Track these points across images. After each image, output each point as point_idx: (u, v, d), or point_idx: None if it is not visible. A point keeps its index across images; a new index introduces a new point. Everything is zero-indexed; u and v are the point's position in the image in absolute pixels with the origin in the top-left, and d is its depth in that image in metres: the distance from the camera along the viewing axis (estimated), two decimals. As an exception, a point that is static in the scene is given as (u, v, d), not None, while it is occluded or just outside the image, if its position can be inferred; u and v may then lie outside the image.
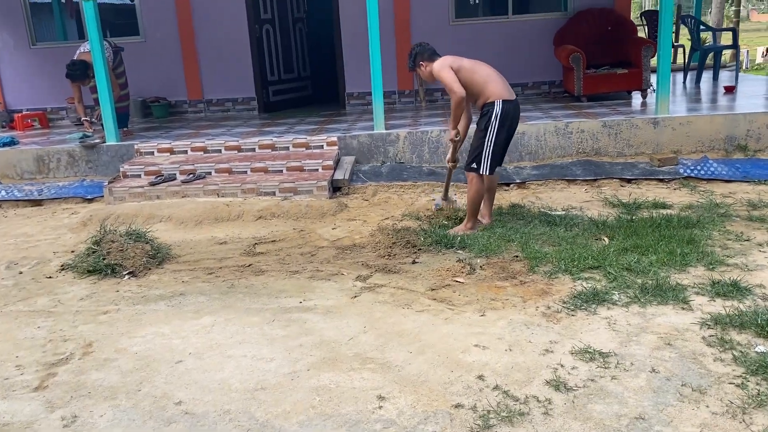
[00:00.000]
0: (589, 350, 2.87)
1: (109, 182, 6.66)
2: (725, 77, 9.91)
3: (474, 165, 4.69)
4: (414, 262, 4.28)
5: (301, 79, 9.81)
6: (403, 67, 8.69)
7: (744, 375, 2.62)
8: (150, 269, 4.46)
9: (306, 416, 2.46)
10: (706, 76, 9.85)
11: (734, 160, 6.40)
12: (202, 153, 7.06)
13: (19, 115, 9.05)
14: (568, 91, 8.37)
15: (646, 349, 2.88)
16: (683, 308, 3.29)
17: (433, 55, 4.75)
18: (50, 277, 4.47)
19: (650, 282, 3.59)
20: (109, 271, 4.40)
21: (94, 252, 4.66)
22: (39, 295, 4.12)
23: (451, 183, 5.46)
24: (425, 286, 3.82)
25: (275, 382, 2.75)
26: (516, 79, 4.43)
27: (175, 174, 6.64)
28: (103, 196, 6.51)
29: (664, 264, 3.90)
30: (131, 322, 3.56)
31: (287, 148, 6.93)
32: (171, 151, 7.10)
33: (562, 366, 2.76)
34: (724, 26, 11.56)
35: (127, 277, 4.35)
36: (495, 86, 4.62)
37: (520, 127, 5.03)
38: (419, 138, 6.74)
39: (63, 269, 4.58)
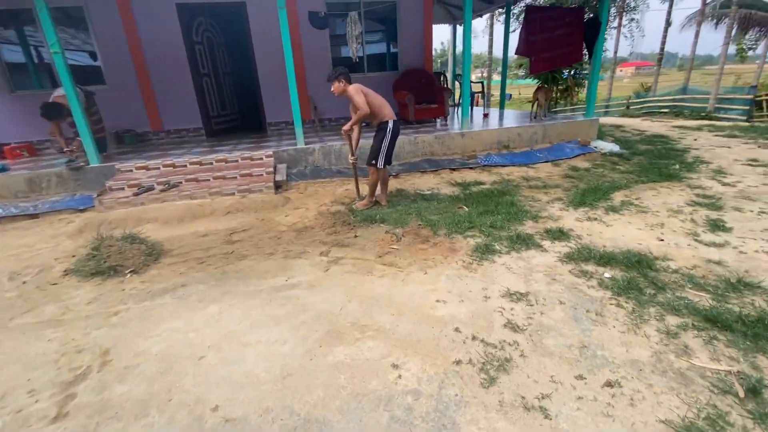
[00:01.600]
0: (511, 292, 2.26)
1: (98, 194, 4.72)
2: (480, 109, 9.83)
3: (373, 161, 3.89)
4: (356, 236, 3.37)
5: (233, 113, 8.04)
6: (305, 104, 7.41)
7: (614, 297, 2.17)
8: (149, 265, 3.03)
9: (341, 400, 1.54)
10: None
11: (504, 154, 6.22)
12: (172, 168, 5.30)
13: (9, 147, 6.27)
14: (404, 118, 7.64)
15: (543, 285, 2.35)
16: (541, 250, 2.81)
17: (349, 79, 3.72)
18: (55, 284, 2.84)
19: (511, 234, 3.08)
20: (111, 272, 2.92)
21: (95, 256, 3.10)
22: (45, 304, 2.56)
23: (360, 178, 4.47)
24: (373, 255, 2.95)
25: (297, 365, 1.77)
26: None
27: (153, 185, 4.88)
28: (93, 207, 4.60)
29: (509, 221, 3.43)
30: (143, 320, 2.26)
31: (237, 161, 5.44)
32: (147, 168, 5.23)
33: (503, 309, 2.12)
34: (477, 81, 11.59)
35: (129, 275, 2.90)
36: (388, 110, 3.85)
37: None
38: (328, 150, 5.62)
39: (66, 274, 2.97)
